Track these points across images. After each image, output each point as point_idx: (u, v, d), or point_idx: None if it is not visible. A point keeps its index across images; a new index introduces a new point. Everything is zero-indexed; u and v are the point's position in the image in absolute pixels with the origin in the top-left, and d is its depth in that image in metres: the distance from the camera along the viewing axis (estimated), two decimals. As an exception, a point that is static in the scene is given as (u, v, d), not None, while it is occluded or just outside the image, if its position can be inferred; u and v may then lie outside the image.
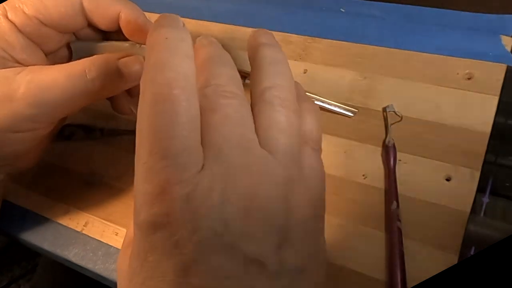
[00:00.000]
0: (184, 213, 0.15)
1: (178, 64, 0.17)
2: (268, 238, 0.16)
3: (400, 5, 0.38)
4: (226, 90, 0.18)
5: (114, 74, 0.26)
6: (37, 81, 0.25)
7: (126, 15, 0.28)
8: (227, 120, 0.17)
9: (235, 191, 0.16)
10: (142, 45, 0.29)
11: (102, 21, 0.28)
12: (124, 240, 0.20)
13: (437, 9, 0.37)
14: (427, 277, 0.25)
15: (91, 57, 0.26)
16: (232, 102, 0.18)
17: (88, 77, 0.25)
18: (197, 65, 0.19)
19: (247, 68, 0.33)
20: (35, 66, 0.26)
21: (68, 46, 0.30)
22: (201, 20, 0.42)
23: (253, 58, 0.21)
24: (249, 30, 0.39)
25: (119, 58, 0.27)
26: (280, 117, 0.18)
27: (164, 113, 0.16)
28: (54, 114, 0.26)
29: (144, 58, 0.28)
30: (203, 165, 0.16)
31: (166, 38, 0.18)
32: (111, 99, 0.31)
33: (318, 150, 0.20)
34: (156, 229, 0.15)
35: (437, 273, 0.25)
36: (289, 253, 0.17)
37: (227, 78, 0.19)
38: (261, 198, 0.16)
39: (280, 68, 0.20)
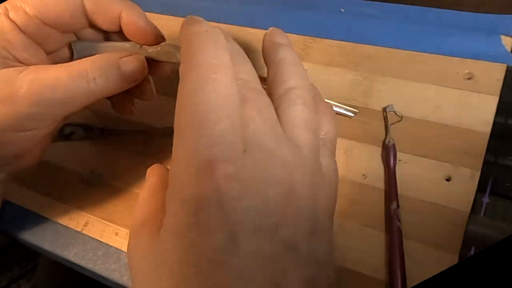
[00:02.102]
0: (233, 191, 0.16)
1: (220, 54, 0.18)
2: (302, 225, 0.17)
3: (400, 5, 0.38)
4: (252, 86, 0.19)
5: (115, 73, 0.26)
6: (39, 80, 0.25)
7: (127, 15, 0.28)
8: (259, 112, 0.18)
9: (275, 177, 0.17)
10: (143, 46, 0.29)
11: (103, 22, 0.28)
12: (135, 222, 0.20)
13: (437, 9, 0.37)
14: (427, 277, 0.25)
15: (92, 57, 0.26)
16: (260, 98, 0.19)
17: (89, 76, 0.25)
18: None
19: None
20: (37, 66, 0.26)
21: (69, 46, 0.30)
22: (201, 20, 0.42)
23: (272, 58, 0.21)
24: (249, 30, 0.40)
25: (121, 58, 0.27)
26: (304, 115, 0.19)
27: (212, 94, 0.17)
28: (55, 113, 0.26)
29: (145, 58, 0.28)
30: (245, 149, 0.17)
31: (206, 31, 0.19)
32: (111, 99, 0.31)
33: (334, 151, 0.21)
34: (203, 205, 0.16)
35: (437, 273, 0.25)
36: (316, 243, 0.18)
37: (251, 75, 0.20)
38: (297, 187, 0.17)
39: (300, 69, 0.21)
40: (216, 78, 0.17)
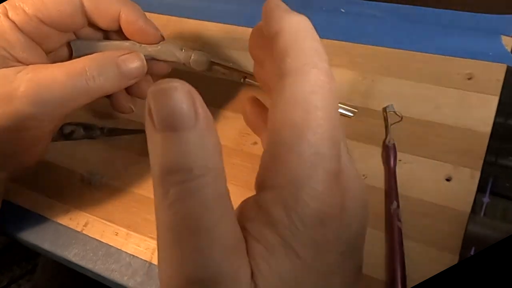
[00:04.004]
0: (354, 209, 0.16)
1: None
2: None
3: (400, 5, 0.38)
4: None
5: (114, 71, 0.26)
6: (38, 79, 0.25)
7: (127, 15, 0.28)
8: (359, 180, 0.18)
9: (363, 207, 0.17)
10: (142, 44, 0.29)
11: (103, 21, 0.28)
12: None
13: (437, 9, 0.37)
14: (427, 277, 0.25)
15: (91, 55, 0.26)
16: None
17: (88, 75, 0.25)
18: None
19: (248, 68, 0.33)
20: (36, 65, 0.26)
21: (68, 45, 0.30)
22: (201, 20, 0.42)
23: None
24: (249, 30, 0.39)
25: (120, 56, 0.27)
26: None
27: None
28: (54, 112, 0.26)
29: (144, 56, 0.28)
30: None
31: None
32: (110, 98, 0.31)
33: None
34: (326, 221, 0.15)
35: (437, 273, 0.25)
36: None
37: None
38: (365, 227, 0.18)
39: None
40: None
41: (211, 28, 0.41)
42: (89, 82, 0.25)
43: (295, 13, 0.18)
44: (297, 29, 0.17)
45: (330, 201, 0.15)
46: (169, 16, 0.43)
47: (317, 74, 0.16)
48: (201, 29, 0.41)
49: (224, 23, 0.41)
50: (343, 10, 0.39)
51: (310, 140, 0.15)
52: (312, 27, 0.17)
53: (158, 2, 0.44)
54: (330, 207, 0.15)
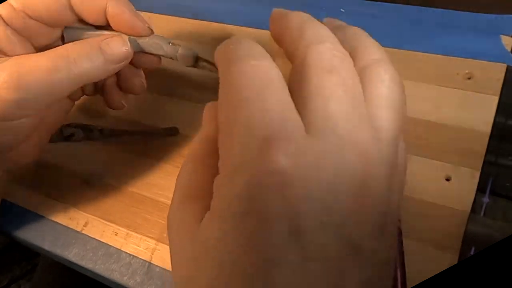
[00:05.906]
0: (295, 175, 0.14)
1: (256, 48, 0.17)
2: (371, 224, 0.15)
3: (400, 5, 0.38)
4: (338, 50, 0.17)
5: (98, 54, 0.26)
6: (19, 65, 0.25)
7: (113, 8, 0.27)
8: (344, 86, 0.15)
9: (348, 167, 0.14)
10: (130, 37, 0.29)
11: (90, 15, 0.28)
12: (177, 193, 0.18)
13: (437, 9, 0.37)
14: (427, 277, 0.25)
15: (74, 42, 0.26)
16: (348, 66, 0.16)
17: (70, 57, 0.25)
18: (292, 28, 0.18)
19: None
20: (20, 55, 0.26)
21: (62, 40, 0.30)
22: (201, 20, 0.42)
23: (344, 32, 0.19)
24: (249, 30, 0.40)
25: (103, 40, 0.27)
26: (393, 95, 0.17)
27: (256, 77, 0.15)
28: (39, 99, 0.26)
29: (128, 40, 0.28)
30: (309, 131, 0.15)
31: (241, 41, 0.18)
32: (103, 94, 0.31)
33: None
34: (261, 190, 0.14)
35: (437, 273, 0.25)
36: (381, 243, 0.16)
37: (334, 40, 0.17)
38: (371, 182, 0.15)
39: (378, 44, 0.19)
40: (256, 64, 0.16)
41: (211, 28, 0.41)
42: (71, 65, 0.25)
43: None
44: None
45: (256, 173, 0.14)
46: (169, 16, 0.43)
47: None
48: (201, 29, 0.41)
49: (224, 23, 0.41)
50: (343, 10, 0.39)
51: (232, 120, 0.15)
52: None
53: (158, 2, 0.44)
54: (270, 174, 0.14)
